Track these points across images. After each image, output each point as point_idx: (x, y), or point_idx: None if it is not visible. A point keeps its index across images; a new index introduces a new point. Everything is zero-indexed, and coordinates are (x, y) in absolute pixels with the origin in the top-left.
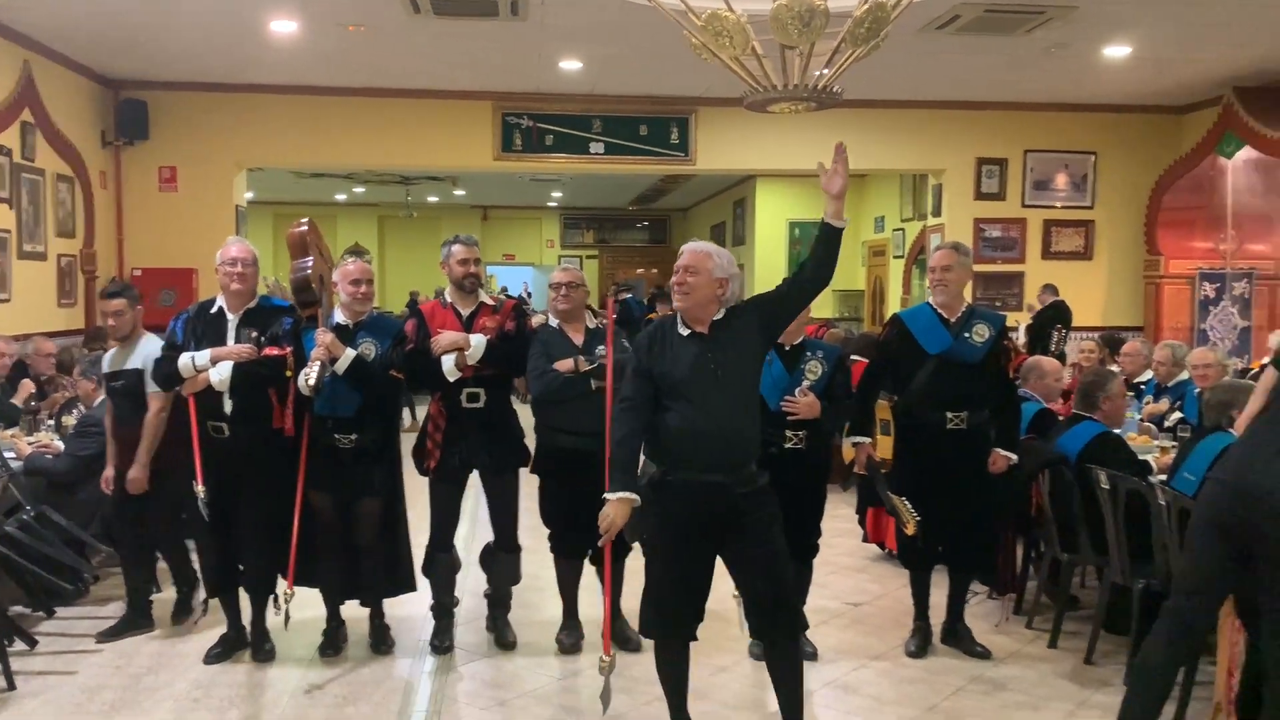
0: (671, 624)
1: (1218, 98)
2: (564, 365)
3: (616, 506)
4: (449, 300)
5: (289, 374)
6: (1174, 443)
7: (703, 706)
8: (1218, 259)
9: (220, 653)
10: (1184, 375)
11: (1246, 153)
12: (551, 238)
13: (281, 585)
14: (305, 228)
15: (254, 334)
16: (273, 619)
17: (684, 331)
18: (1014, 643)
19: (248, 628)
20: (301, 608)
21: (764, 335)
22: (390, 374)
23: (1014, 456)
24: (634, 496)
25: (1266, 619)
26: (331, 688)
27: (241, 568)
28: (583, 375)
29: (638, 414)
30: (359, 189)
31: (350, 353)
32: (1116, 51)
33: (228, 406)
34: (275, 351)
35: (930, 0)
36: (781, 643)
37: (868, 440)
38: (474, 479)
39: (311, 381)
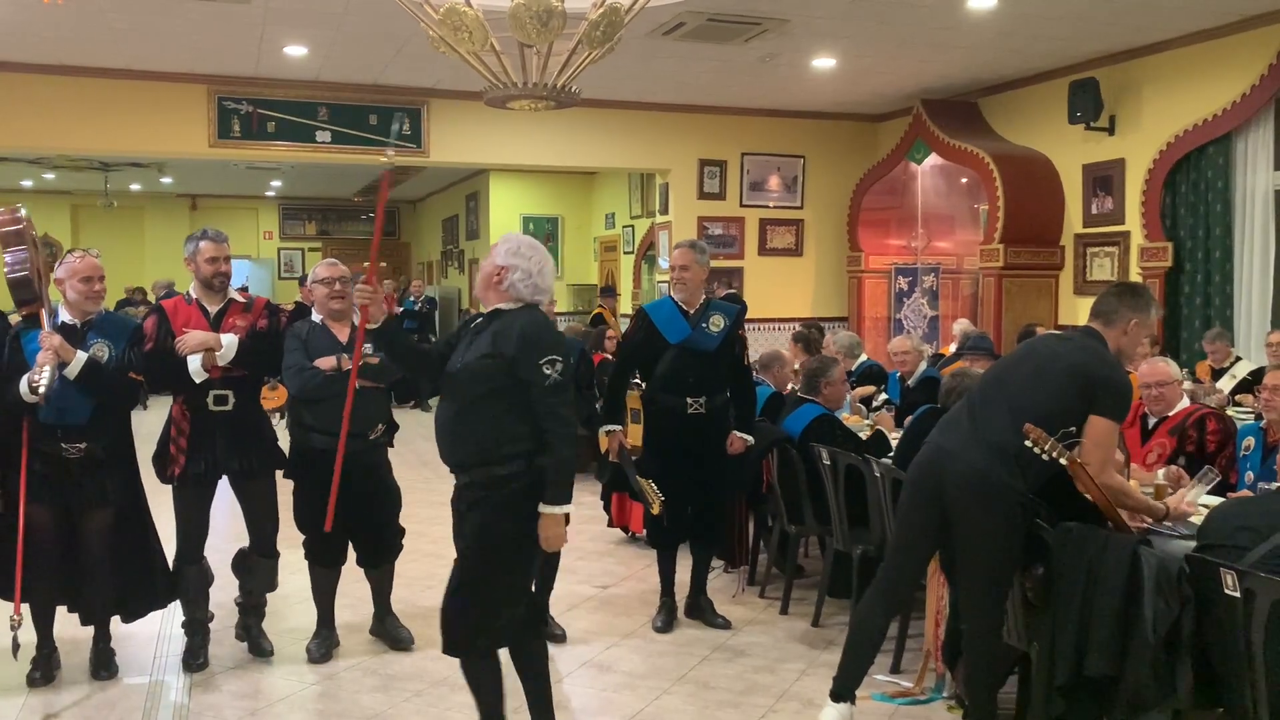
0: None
1: (908, 108)
2: (326, 363)
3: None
4: (194, 296)
5: None
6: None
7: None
8: (910, 255)
9: None
10: (862, 358)
11: (933, 159)
12: (269, 229)
13: (7, 609)
14: (20, 217)
15: None
16: None
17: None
18: (750, 611)
19: None
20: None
21: None
22: (129, 376)
23: (750, 438)
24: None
25: (961, 586)
26: (65, 715)
27: None
28: (347, 373)
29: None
30: (49, 175)
31: (82, 355)
32: (823, 63)
33: None
34: None
35: (658, 7)
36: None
37: (619, 428)
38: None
39: (42, 389)
